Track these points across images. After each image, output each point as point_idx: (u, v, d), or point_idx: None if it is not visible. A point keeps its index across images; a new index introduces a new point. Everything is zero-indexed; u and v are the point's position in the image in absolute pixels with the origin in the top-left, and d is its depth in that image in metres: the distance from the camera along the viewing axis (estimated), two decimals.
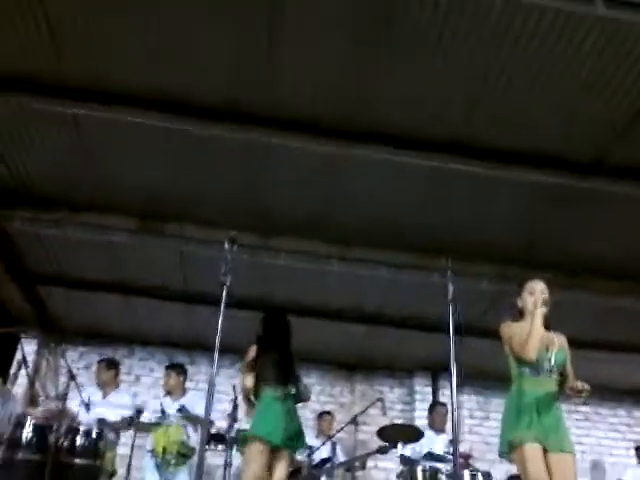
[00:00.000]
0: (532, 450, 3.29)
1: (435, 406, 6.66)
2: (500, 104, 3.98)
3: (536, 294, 3.65)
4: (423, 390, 8.36)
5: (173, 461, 5.16)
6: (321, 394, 8.31)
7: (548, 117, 4.08)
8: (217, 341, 2.86)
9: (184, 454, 5.12)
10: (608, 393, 8.54)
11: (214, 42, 3.71)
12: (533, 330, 3.47)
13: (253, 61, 3.81)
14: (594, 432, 8.59)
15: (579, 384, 3.38)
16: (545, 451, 3.33)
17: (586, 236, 5.27)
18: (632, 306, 6.00)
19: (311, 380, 8.30)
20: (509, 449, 3.40)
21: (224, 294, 2.95)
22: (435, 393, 8.26)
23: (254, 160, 4.66)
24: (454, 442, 3.17)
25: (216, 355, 2.83)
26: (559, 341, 3.64)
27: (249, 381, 4.30)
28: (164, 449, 5.14)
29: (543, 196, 4.78)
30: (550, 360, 3.54)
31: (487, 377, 8.11)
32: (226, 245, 3.03)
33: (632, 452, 7.07)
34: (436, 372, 8.25)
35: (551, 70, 3.71)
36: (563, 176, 4.47)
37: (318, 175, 4.79)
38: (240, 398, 4.68)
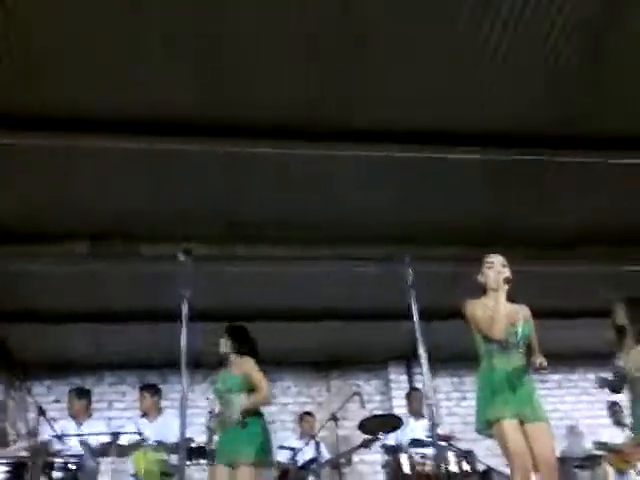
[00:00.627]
0: (510, 425, 3.36)
1: (411, 393, 6.72)
2: (450, 86, 4.02)
3: (495, 267, 3.72)
4: (398, 379, 8.43)
5: None
6: (298, 395, 8.31)
7: (509, 95, 4.13)
8: (183, 356, 2.83)
9: (166, 473, 5.05)
10: (577, 359, 8.76)
11: (170, 54, 3.65)
12: (497, 312, 3.53)
13: (210, 70, 3.77)
14: (567, 398, 8.82)
15: (538, 361, 3.48)
16: (522, 423, 3.41)
17: (543, 210, 5.38)
18: (593, 272, 6.14)
19: (287, 383, 8.31)
20: (487, 426, 3.47)
21: (185, 307, 2.92)
22: (410, 380, 8.33)
23: (206, 170, 4.61)
24: (432, 425, 3.21)
25: (183, 370, 2.81)
26: (523, 314, 3.71)
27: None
28: (146, 471, 5.07)
29: (496, 174, 4.85)
30: (517, 334, 3.60)
31: (459, 358, 8.22)
32: (181, 257, 3.00)
33: (605, 412, 7.23)
34: (409, 359, 8.32)
35: (509, 50, 3.78)
36: (514, 152, 4.54)
37: (270, 178, 4.77)
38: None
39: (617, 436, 6.76)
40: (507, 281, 3.60)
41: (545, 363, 3.46)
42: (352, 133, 4.33)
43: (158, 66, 3.73)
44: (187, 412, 7.18)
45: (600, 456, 6.80)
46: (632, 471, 6.38)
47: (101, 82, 3.79)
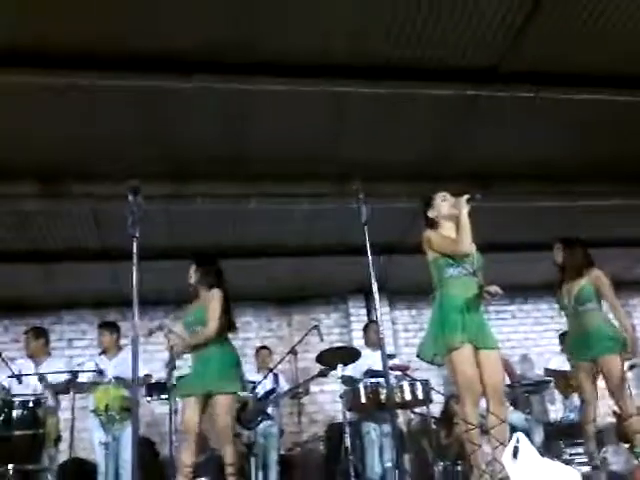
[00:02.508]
0: (463, 351, 3.47)
1: (369, 325, 6.86)
2: (393, 19, 3.94)
3: (449, 200, 3.83)
4: (358, 312, 8.60)
5: (117, 417, 5.18)
6: (260, 330, 8.43)
7: (441, 29, 4.06)
8: (134, 294, 2.83)
9: (127, 408, 5.12)
10: (530, 291, 9.04)
11: None
12: (465, 225, 3.60)
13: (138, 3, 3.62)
14: (521, 328, 9.14)
15: (492, 288, 3.57)
16: (475, 349, 3.52)
17: (492, 143, 5.40)
18: (545, 206, 6.25)
19: (247, 318, 8.41)
20: (442, 352, 3.54)
21: (135, 246, 2.89)
22: (369, 313, 8.51)
23: (154, 106, 4.48)
24: (383, 355, 3.29)
25: (135, 309, 2.82)
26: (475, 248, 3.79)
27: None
28: (107, 406, 5.14)
29: (445, 108, 4.82)
30: (473, 262, 3.71)
31: (417, 291, 8.41)
32: (129, 196, 2.94)
33: (555, 341, 7.53)
34: (368, 293, 8.46)
35: None
36: (462, 87, 4.51)
37: (222, 113, 4.67)
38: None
39: (565, 363, 7.08)
40: (470, 199, 3.66)
41: (499, 290, 3.54)
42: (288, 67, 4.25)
43: None
44: (149, 348, 7.25)
45: (549, 382, 7.14)
46: (575, 395, 6.73)
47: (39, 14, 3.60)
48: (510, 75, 4.54)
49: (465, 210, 3.65)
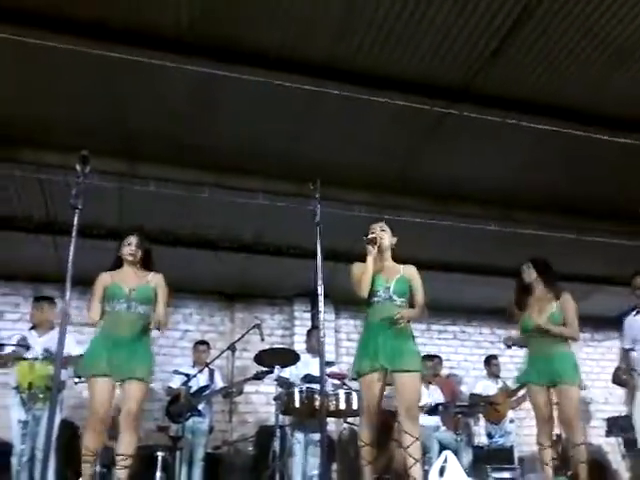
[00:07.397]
0: (368, 378, 3.73)
1: (312, 330, 6.80)
2: (371, 28, 3.92)
3: (377, 232, 3.99)
4: (302, 316, 8.50)
5: (41, 395, 4.97)
6: (201, 324, 8.26)
7: (418, 43, 4.07)
8: (69, 270, 2.68)
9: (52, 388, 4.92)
10: (474, 313, 9.13)
11: None
12: (367, 272, 3.85)
13: None
14: (461, 349, 9.20)
15: (396, 316, 3.72)
16: (390, 372, 3.72)
17: (454, 162, 5.43)
18: (497, 231, 6.31)
19: (189, 310, 8.23)
20: (357, 375, 3.82)
21: (76, 218, 2.76)
22: (314, 318, 8.42)
23: (116, 81, 4.33)
24: (320, 362, 3.23)
25: (68, 283, 2.67)
26: (405, 271, 3.97)
27: None
28: (30, 384, 4.93)
29: (414, 122, 4.82)
30: (389, 289, 3.88)
31: (361, 302, 8.37)
32: (77, 166, 2.80)
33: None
34: (315, 298, 8.35)
35: None
36: (432, 102, 4.53)
37: (188, 97, 4.56)
38: None
39: (489, 388, 7.19)
40: (368, 242, 3.89)
41: (399, 317, 3.70)
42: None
43: None
44: (87, 330, 6.98)
45: (480, 405, 7.20)
46: (507, 421, 6.84)
47: None
48: (479, 97, 4.57)
49: (370, 260, 3.88)
